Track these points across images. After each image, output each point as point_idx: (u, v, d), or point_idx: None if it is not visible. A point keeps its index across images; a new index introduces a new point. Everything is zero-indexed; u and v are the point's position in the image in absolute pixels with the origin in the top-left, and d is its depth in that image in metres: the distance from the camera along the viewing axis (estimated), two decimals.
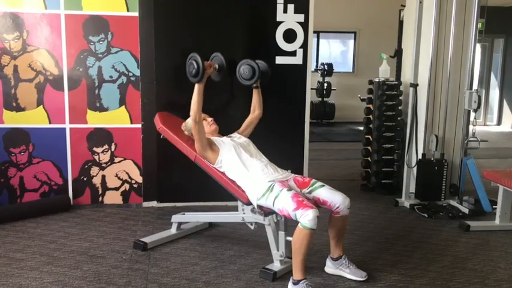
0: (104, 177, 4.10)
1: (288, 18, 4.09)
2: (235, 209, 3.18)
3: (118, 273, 2.86)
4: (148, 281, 2.76)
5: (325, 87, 10.24)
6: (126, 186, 4.15)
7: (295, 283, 2.56)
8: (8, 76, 3.87)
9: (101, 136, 4.05)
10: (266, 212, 2.86)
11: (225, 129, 3.29)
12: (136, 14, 3.93)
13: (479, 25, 4.19)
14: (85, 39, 3.92)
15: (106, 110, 4.02)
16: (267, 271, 2.82)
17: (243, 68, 3.16)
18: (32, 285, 2.68)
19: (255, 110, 3.33)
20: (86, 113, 4.00)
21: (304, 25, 4.11)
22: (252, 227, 3.08)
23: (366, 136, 4.87)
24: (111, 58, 3.97)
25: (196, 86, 2.86)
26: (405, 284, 2.78)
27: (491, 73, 10.86)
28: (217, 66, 2.92)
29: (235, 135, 3.22)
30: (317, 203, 2.76)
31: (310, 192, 2.81)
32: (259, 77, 3.17)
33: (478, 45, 9.04)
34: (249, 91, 3.39)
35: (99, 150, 4.06)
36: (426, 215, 4.03)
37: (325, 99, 10.29)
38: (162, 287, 2.69)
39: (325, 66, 10.20)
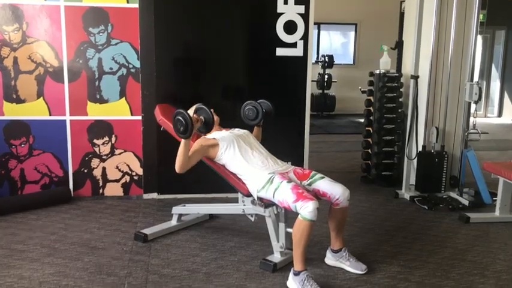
0: (104, 169, 4.11)
1: (288, 10, 4.07)
2: (235, 200, 3.18)
3: (119, 265, 2.87)
4: (149, 272, 2.77)
5: (325, 79, 10.21)
6: (127, 178, 4.15)
7: (296, 274, 2.57)
8: (8, 68, 3.86)
9: (101, 128, 4.05)
10: (266, 203, 2.87)
11: (228, 124, 3.28)
12: (136, 5, 3.91)
13: (481, 17, 4.17)
14: (85, 31, 3.90)
15: (106, 101, 4.02)
16: (267, 262, 2.83)
17: (247, 109, 3.26)
18: (33, 277, 2.70)
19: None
20: (86, 104, 4.00)
21: (305, 16, 4.09)
22: (252, 219, 3.09)
23: (367, 128, 4.87)
24: (111, 50, 3.96)
25: (183, 141, 2.79)
26: (405, 275, 2.80)
27: (492, 65, 10.83)
28: (203, 119, 2.89)
29: (235, 128, 3.21)
30: (317, 195, 2.77)
31: (310, 184, 2.81)
32: (262, 118, 3.25)
33: (479, 37, 9.00)
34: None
35: (99, 142, 4.07)
36: (426, 207, 4.04)
37: (325, 91, 10.27)
38: (162, 278, 2.70)
39: (326, 58, 10.17)
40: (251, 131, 3.27)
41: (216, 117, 3.17)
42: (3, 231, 3.39)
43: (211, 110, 3.04)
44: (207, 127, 2.91)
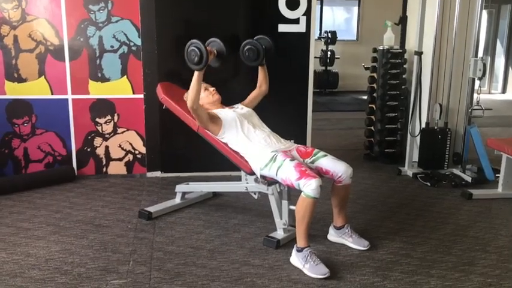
0: (107, 147, 4.12)
1: None
2: (238, 178, 3.19)
3: (123, 242, 2.90)
4: (154, 250, 2.80)
5: (328, 56, 10.11)
6: (130, 156, 4.16)
7: (299, 250, 2.59)
8: (8, 46, 3.83)
9: (104, 107, 4.04)
10: (269, 181, 2.88)
11: (227, 101, 3.27)
12: None
13: None
14: (85, 8, 3.86)
15: (108, 80, 4.00)
16: (270, 239, 2.86)
17: (247, 50, 3.11)
18: (39, 254, 2.73)
19: (261, 85, 3.29)
20: (88, 83, 3.99)
21: None
22: (256, 196, 3.10)
23: (370, 105, 4.85)
24: (112, 27, 3.92)
25: (196, 73, 2.76)
26: (407, 251, 2.82)
27: (497, 40, 10.70)
28: (216, 51, 2.85)
29: (237, 105, 3.20)
30: (320, 173, 2.77)
31: (313, 162, 2.81)
32: (265, 56, 3.13)
33: (484, 12, 8.87)
34: (252, 67, 3.31)
35: (101, 121, 4.06)
36: (429, 184, 4.05)
37: (328, 68, 10.19)
38: (167, 255, 2.73)
39: (329, 34, 10.05)
40: (253, 74, 3.19)
41: (217, 96, 3.16)
42: (9, 209, 3.42)
43: (210, 88, 3.03)
44: (220, 59, 2.87)
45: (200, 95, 2.83)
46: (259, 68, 3.25)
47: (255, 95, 3.29)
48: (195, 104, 2.81)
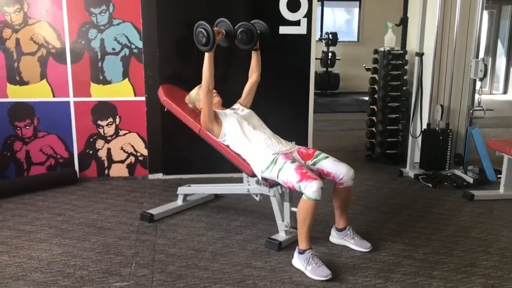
0: (109, 150, 4.12)
1: None
2: (240, 180, 3.20)
3: (126, 245, 2.91)
4: (156, 252, 2.81)
5: (329, 57, 10.11)
6: (132, 158, 4.17)
7: (301, 252, 2.60)
8: (10, 50, 3.85)
9: (105, 109, 4.05)
10: (271, 183, 2.88)
11: (226, 103, 3.27)
12: None
13: None
14: (86, 11, 3.87)
15: (109, 82, 4.01)
16: (272, 241, 2.86)
17: (241, 32, 3.04)
18: (42, 257, 2.74)
19: (253, 74, 3.23)
20: (90, 86, 4.00)
21: None
22: (257, 198, 3.11)
23: (371, 106, 4.85)
24: (113, 30, 3.93)
25: (207, 54, 2.81)
26: (409, 252, 2.82)
27: (498, 41, 10.69)
28: (224, 31, 2.87)
29: (237, 106, 3.20)
30: (321, 175, 2.78)
31: (314, 164, 2.82)
32: (258, 39, 3.08)
33: (485, 12, 8.87)
34: (249, 63, 3.30)
35: (103, 123, 4.07)
36: (430, 185, 4.04)
37: (329, 69, 10.19)
38: (169, 258, 2.74)
39: (330, 35, 10.05)
40: (247, 58, 3.18)
41: (218, 98, 3.17)
42: (11, 212, 3.43)
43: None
44: (229, 39, 2.89)
45: (213, 77, 2.84)
46: (253, 53, 3.18)
47: (248, 87, 3.25)
48: (210, 84, 2.84)
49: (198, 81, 3.08)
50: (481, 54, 4.25)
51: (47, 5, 3.82)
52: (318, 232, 3.01)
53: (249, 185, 3.09)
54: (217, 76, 3.93)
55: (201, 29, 2.73)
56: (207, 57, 2.82)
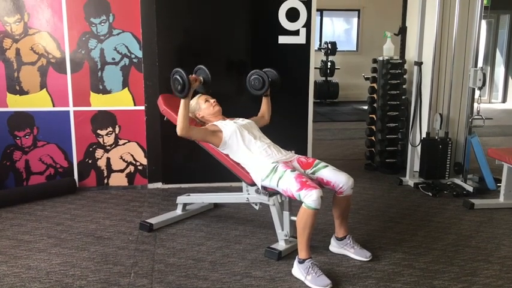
0: (108, 159, 4.12)
1: None
2: (239, 189, 3.19)
3: (125, 254, 2.89)
4: (155, 262, 2.80)
5: (328, 67, 10.16)
6: (131, 168, 4.17)
7: (301, 262, 2.59)
8: (10, 59, 3.86)
9: (105, 118, 4.05)
10: (270, 192, 2.88)
11: (231, 114, 3.28)
12: None
13: (485, 1, 4.13)
14: (86, 21, 3.89)
15: (109, 92, 4.02)
16: (272, 250, 2.85)
17: (253, 79, 3.17)
18: (40, 267, 2.72)
19: (264, 115, 3.33)
20: (89, 95, 4.00)
21: (307, 3, 4.06)
22: (257, 208, 3.10)
23: (370, 115, 4.86)
24: (113, 40, 3.95)
25: (182, 101, 2.80)
26: (409, 262, 2.81)
27: (497, 50, 10.74)
28: (202, 79, 2.91)
29: (238, 118, 3.21)
30: (321, 184, 2.77)
31: (313, 173, 2.81)
32: (269, 87, 3.18)
33: (484, 22, 8.92)
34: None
35: (103, 132, 4.07)
36: (430, 194, 4.04)
37: (328, 78, 10.23)
38: (168, 267, 2.72)
39: (329, 45, 10.11)
40: (259, 101, 3.22)
41: (218, 108, 3.17)
42: (10, 222, 3.42)
43: (211, 100, 3.05)
44: (206, 87, 2.93)
45: (188, 120, 2.84)
46: (263, 98, 3.29)
47: (257, 119, 3.29)
48: (184, 131, 2.83)
49: (198, 91, 3.09)
50: (480, 63, 4.25)
51: (47, 15, 3.84)
52: (317, 241, 3.00)
53: (248, 194, 3.08)
54: (228, 89, 3.97)
55: (177, 76, 2.76)
56: (182, 104, 2.80)
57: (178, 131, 2.84)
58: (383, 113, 4.67)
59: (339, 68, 10.26)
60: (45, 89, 3.94)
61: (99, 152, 4.10)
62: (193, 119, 3.21)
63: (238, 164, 2.96)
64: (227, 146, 2.96)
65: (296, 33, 4.10)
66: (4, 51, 3.84)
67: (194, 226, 3.36)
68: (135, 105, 4.06)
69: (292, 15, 4.06)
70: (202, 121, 3.16)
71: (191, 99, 2.98)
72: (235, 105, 3.38)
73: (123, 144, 4.12)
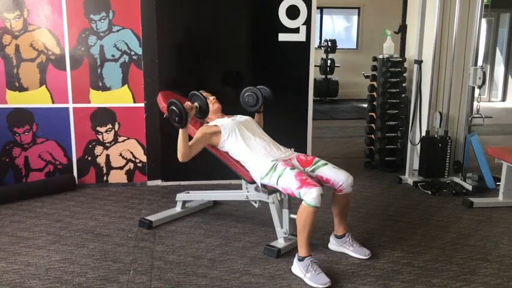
0: (108, 156, 4.12)
1: None
2: (239, 187, 3.19)
3: (124, 251, 2.89)
4: (154, 259, 2.80)
5: (328, 64, 10.15)
6: (131, 165, 4.17)
7: (301, 260, 2.59)
8: (9, 56, 3.85)
9: (104, 115, 4.05)
10: (270, 190, 2.88)
11: (229, 111, 3.28)
12: None
13: None
14: (86, 18, 3.88)
15: (109, 89, 4.01)
16: (271, 248, 2.85)
17: (247, 96, 3.20)
18: (39, 263, 2.73)
19: None
20: (89, 92, 4.00)
21: (307, 1, 4.05)
22: (256, 205, 3.10)
23: (370, 113, 4.86)
24: (113, 37, 3.94)
25: (181, 130, 2.80)
26: (408, 260, 2.81)
27: (497, 49, 10.73)
28: (198, 106, 2.91)
29: (237, 115, 3.21)
30: (320, 181, 2.77)
31: (313, 171, 2.82)
32: (263, 104, 3.20)
33: (484, 20, 8.91)
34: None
35: (102, 129, 4.07)
36: (429, 192, 4.04)
37: (328, 76, 10.22)
38: (167, 265, 2.73)
39: (329, 42, 10.09)
40: (252, 117, 3.26)
41: (217, 105, 3.17)
42: (9, 218, 3.41)
43: (210, 97, 3.05)
44: (203, 113, 2.94)
45: (188, 148, 2.83)
46: (256, 114, 3.31)
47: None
48: (185, 158, 2.84)
49: (197, 88, 3.09)
50: (480, 62, 4.25)
51: (46, 11, 3.83)
52: (316, 239, 3.00)
53: (247, 191, 3.08)
54: (226, 86, 3.98)
55: (174, 108, 2.77)
56: (181, 133, 2.80)
57: (180, 157, 2.84)
58: (383, 111, 4.66)
59: (338, 66, 10.25)
60: (44, 86, 3.94)
61: (98, 149, 4.10)
62: (193, 117, 3.20)
63: (237, 161, 2.96)
64: (226, 144, 2.96)
65: (296, 30, 4.10)
66: (3, 48, 3.83)
67: (193, 223, 3.36)
68: (134, 102, 4.06)
69: (293, 12, 4.05)
70: (200, 135, 3.14)
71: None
72: (234, 102, 3.37)
73: (123, 141, 4.12)
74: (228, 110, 3.26)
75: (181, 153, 2.83)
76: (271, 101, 3.25)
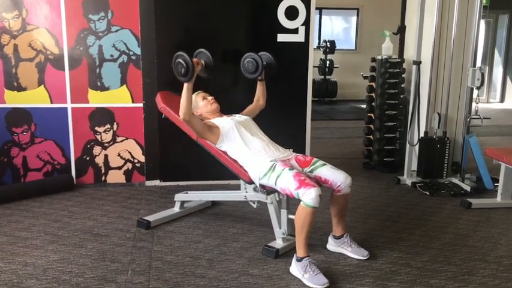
0: (106, 156, 4.12)
1: None
2: (237, 187, 3.19)
3: (122, 251, 2.89)
4: (152, 259, 2.79)
5: (327, 65, 10.16)
6: (129, 165, 4.16)
7: (299, 260, 2.59)
8: (8, 55, 3.85)
9: (103, 115, 4.04)
10: (268, 190, 2.88)
11: (228, 111, 3.28)
12: None
13: (484, 0, 4.13)
14: (85, 18, 3.88)
15: (107, 89, 4.01)
16: (269, 248, 2.85)
17: (247, 62, 3.14)
18: (37, 263, 2.72)
19: (259, 99, 3.31)
20: (87, 92, 3.99)
21: (306, 2, 4.05)
22: (255, 206, 3.10)
23: (368, 114, 4.86)
24: (112, 37, 3.94)
25: (186, 85, 2.80)
26: (406, 260, 2.81)
27: (495, 50, 10.75)
28: (203, 62, 2.90)
29: (235, 114, 3.21)
30: (319, 182, 2.77)
31: (311, 171, 2.81)
32: (263, 70, 3.15)
33: (482, 22, 8.93)
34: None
35: (101, 129, 4.07)
36: (428, 193, 4.04)
37: (327, 77, 10.23)
38: (165, 265, 2.72)
39: (328, 43, 10.11)
40: (253, 85, 3.21)
41: (216, 105, 3.17)
42: (7, 218, 3.41)
43: (209, 97, 3.05)
44: (208, 71, 2.92)
45: (192, 105, 2.85)
46: (258, 82, 3.27)
47: (252, 108, 3.30)
48: (187, 116, 2.83)
49: (196, 88, 3.08)
50: (478, 63, 4.26)
51: (45, 11, 3.82)
52: (315, 240, 3.00)
53: (246, 192, 3.08)
54: (222, 85, 3.97)
55: (180, 60, 2.74)
56: (186, 89, 2.80)
57: (182, 114, 2.82)
58: (381, 111, 4.67)
59: (337, 67, 10.26)
60: (43, 86, 3.93)
61: (96, 149, 4.09)
62: None
63: (236, 161, 2.95)
64: (224, 143, 2.96)
65: (295, 31, 4.10)
66: (2, 47, 3.82)
67: (192, 224, 3.36)
68: (133, 102, 4.05)
69: (291, 13, 4.05)
70: (200, 119, 3.16)
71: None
72: (234, 102, 3.37)
73: (121, 141, 4.11)
74: (228, 109, 3.26)
75: (184, 110, 2.80)
76: (272, 69, 3.15)
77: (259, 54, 3.15)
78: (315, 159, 2.89)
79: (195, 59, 2.82)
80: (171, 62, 4.04)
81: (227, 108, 3.26)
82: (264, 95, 3.29)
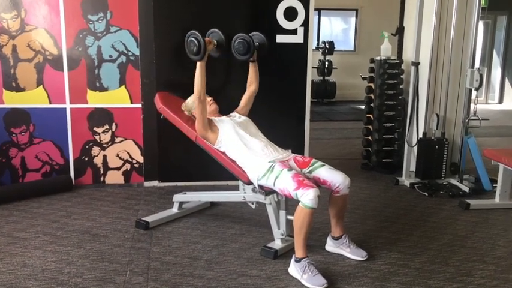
0: (105, 157, 4.11)
1: None
2: (236, 188, 3.19)
3: (121, 252, 2.89)
4: (151, 260, 2.79)
5: (326, 66, 10.17)
6: (128, 166, 4.16)
7: (298, 261, 2.59)
8: (6, 56, 3.84)
9: (102, 116, 4.04)
10: (267, 191, 2.88)
11: (224, 110, 3.28)
12: None
13: (482, 2, 4.13)
14: (84, 18, 3.88)
15: (106, 89, 4.01)
16: (268, 249, 2.85)
17: (238, 43, 3.11)
18: (36, 264, 2.72)
19: (251, 84, 3.29)
20: (86, 92, 3.99)
21: (305, 2, 4.05)
22: (253, 206, 3.10)
23: (367, 115, 4.87)
24: (111, 37, 3.94)
25: (198, 63, 2.85)
26: (405, 261, 2.82)
27: (494, 51, 10.76)
28: (216, 42, 2.91)
29: (234, 114, 3.22)
30: (317, 183, 2.77)
31: (310, 172, 2.82)
32: (255, 51, 3.12)
33: (481, 23, 8.95)
34: (246, 71, 3.35)
35: (99, 130, 4.06)
36: (426, 194, 4.05)
37: (326, 77, 10.24)
38: (164, 266, 2.72)
39: (326, 44, 10.11)
40: (245, 66, 3.19)
41: (214, 106, 3.17)
42: (6, 219, 3.40)
43: (208, 98, 3.05)
44: (219, 50, 2.93)
45: (205, 85, 2.87)
46: (250, 64, 3.24)
47: (246, 97, 3.29)
48: (202, 94, 2.87)
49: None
50: (477, 64, 4.26)
51: (44, 11, 3.82)
52: (313, 240, 3.00)
53: (245, 192, 3.08)
54: (216, 84, 3.98)
55: (193, 38, 2.78)
56: (199, 67, 2.86)
57: (196, 92, 2.87)
58: (380, 112, 4.67)
59: (336, 68, 10.27)
60: (41, 86, 3.93)
61: (95, 150, 4.09)
62: (190, 117, 3.21)
63: (234, 162, 2.95)
64: (223, 144, 2.96)
65: (294, 32, 4.10)
66: (0, 48, 3.82)
67: (190, 224, 3.35)
68: (132, 102, 4.05)
69: (290, 14, 4.06)
70: None
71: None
72: (233, 102, 3.37)
73: (120, 142, 4.11)
74: (226, 110, 3.26)
75: (198, 88, 2.85)
76: (264, 49, 3.10)
77: (250, 34, 3.11)
78: (313, 160, 2.89)
79: (207, 38, 2.85)
80: (170, 62, 4.07)
81: (227, 108, 3.26)
82: (257, 77, 3.26)
